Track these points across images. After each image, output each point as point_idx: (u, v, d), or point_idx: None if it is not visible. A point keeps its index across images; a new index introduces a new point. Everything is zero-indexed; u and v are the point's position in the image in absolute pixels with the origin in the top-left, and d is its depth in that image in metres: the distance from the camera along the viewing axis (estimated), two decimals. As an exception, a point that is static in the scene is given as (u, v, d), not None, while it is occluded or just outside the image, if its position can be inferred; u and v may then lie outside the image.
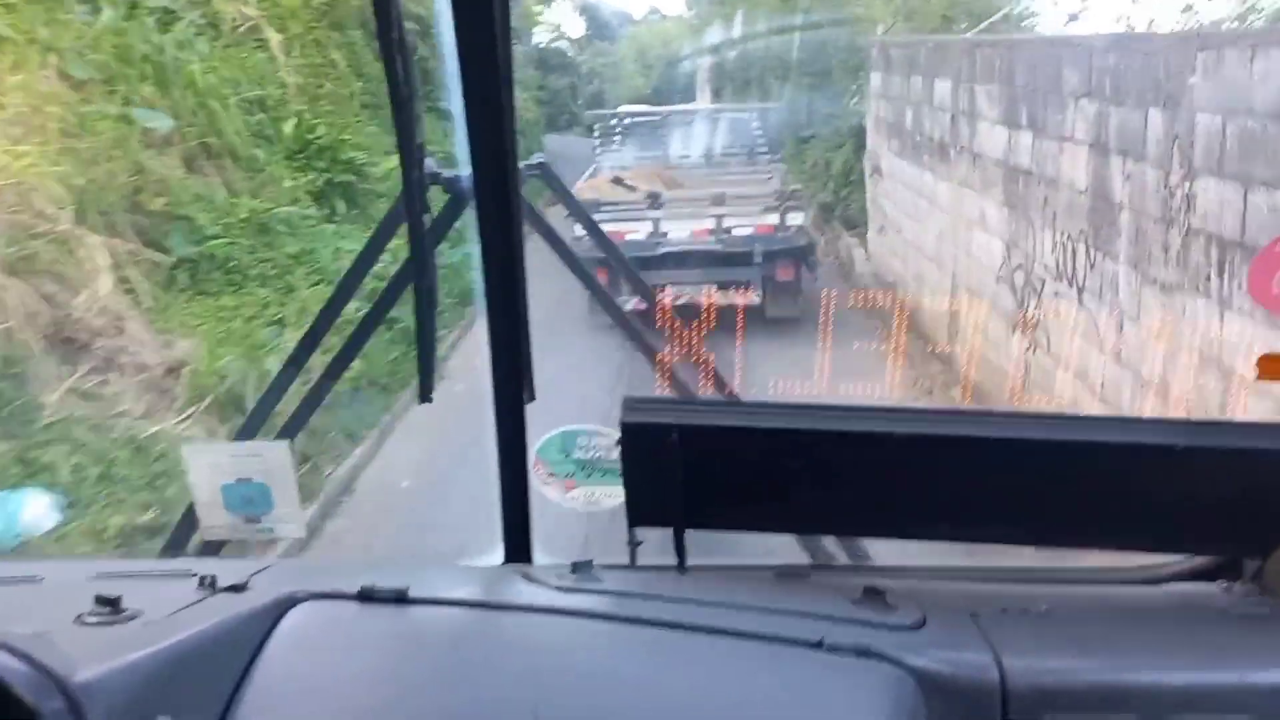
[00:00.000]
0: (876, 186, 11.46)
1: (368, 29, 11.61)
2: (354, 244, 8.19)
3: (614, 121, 12.62)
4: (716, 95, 18.19)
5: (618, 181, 10.55)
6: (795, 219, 9.52)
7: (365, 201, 9.77)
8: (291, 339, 6.42)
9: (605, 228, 7.81)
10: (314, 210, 8.98)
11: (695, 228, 9.53)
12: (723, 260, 9.32)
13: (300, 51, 10.55)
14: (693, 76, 21.28)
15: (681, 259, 9.17)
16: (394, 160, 8.69)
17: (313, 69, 10.68)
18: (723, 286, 9.17)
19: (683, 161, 12.15)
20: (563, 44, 24.88)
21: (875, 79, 11.53)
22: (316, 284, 7.86)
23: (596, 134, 12.47)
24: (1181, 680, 1.16)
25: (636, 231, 9.25)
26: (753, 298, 9.21)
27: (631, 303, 8.70)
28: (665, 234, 9.44)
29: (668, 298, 8.56)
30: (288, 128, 9.34)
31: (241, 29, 9.84)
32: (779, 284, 9.47)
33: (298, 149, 9.35)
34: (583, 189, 10.21)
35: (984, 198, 7.66)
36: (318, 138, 9.52)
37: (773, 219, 9.49)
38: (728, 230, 9.45)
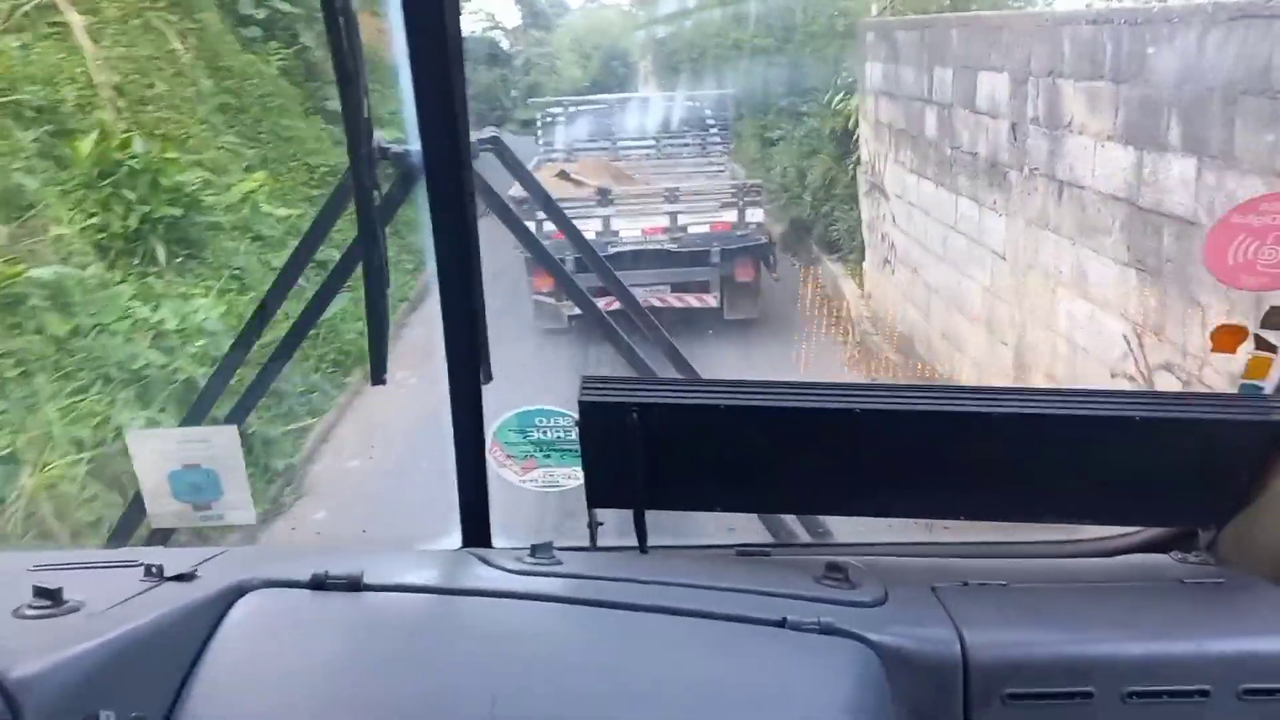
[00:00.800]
0: (877, 208, 9.02)
1: (228, 9, 9.76)
2: (165, 312, 5.90)
3: (558, 110, 11.59)
4: (662, 89, 16.84)
5: (563, 176, 9.67)
6: (755, 215, 8.89)
7: (203, 242, 7.01)
8: (32, 484, 4.42)
9: (550, 226, 7.15)
10: (105, 264, 6.08)
11: (647, 225, 8.84)
12: (678, 260, 8.74)
13: (116, 39, 7.76)
14: (635, 67, 19.97)
15: (634, 259, 8.48)
16: (254, 181, 7.49)
17: (138, 63, 7.82)
18: (678, 288, 8.73)
19: (632, 154, 11.45)
20: (495, 34, 24.26)
21: (873, 71, 8.93)
22: (82, 390, 5.04)
23: (539, 124, 11.39)
24: (1139, 650, 1.18)
25: (585, 230, 8.43)
26: (710, 300, 8.79)
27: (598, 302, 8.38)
28: (616, 232, 8.74)
29: (616, 301, 8.22)
30: (85, 145, 6.42)
31: (26, 8, 7.14)
32: (738, 284, 8.92)
33: (100, 174, 6.43)
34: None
35: (1084, 248, 5.07)
36: (132, 157, 6.57)
37: (730, 215, 8.85)
38: (683, 228, 8.79)
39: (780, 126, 12.41)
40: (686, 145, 11.62)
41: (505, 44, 24.11)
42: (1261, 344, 1.37)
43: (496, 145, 2.08)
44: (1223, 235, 1.34)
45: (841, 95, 10.28)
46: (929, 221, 7.50)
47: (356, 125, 1.40)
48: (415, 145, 1.31)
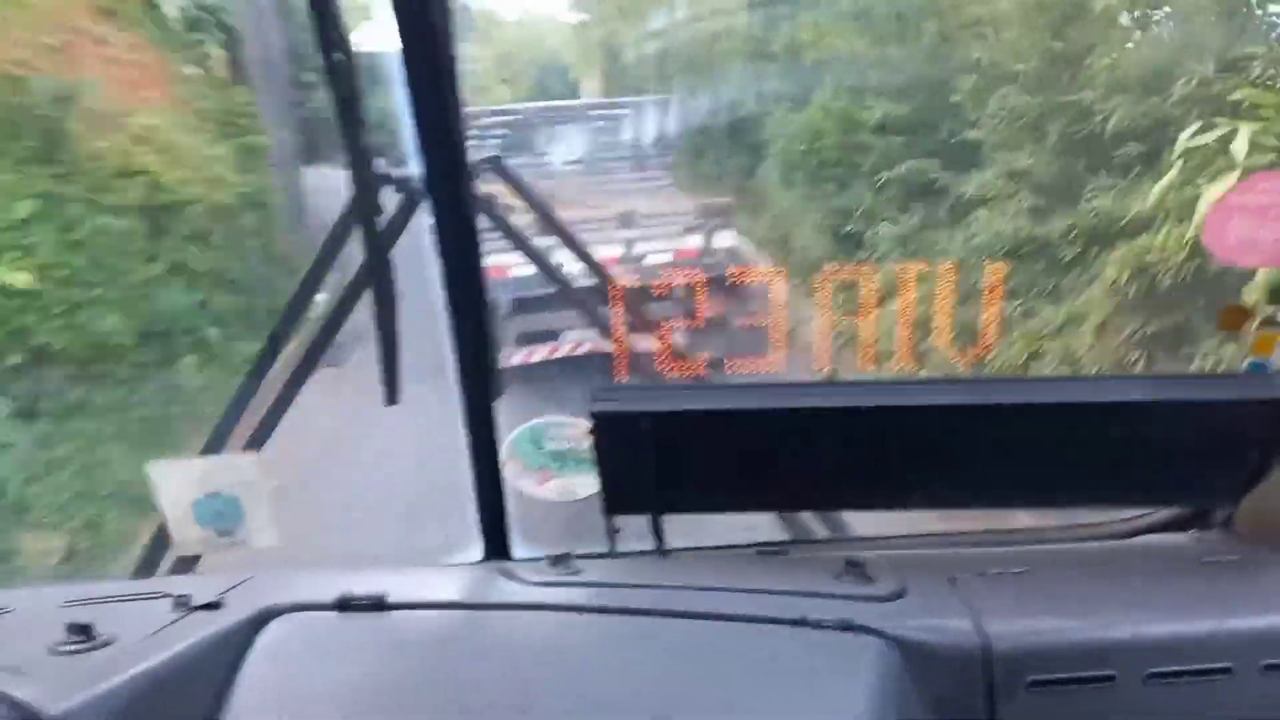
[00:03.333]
0: None
1: None
2: None
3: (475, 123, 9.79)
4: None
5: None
6: (723, 240, 7.56)
7: None
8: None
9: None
10: None
11: (597, 257, 7.74)
12: (634, 297, 7.62)
13: None
14: (575, 86, 16.62)
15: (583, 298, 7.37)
16: None
17: None
18: (634, 330, 7.59)
19: (556, 172, 9.58)
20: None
21: None
22: None
23: None
24: (1159, 631, 1.18)
25: (524, 267, 6.24)
26: (673, 340, 7.64)
27: (519, 355, 6.97)
28: (559, 266, 7.56)
29: (563, 347, 6.74)
30: None
31: None
32: (704, 322, 7.82)
33: None
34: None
35: None
36: None
37: (696, 241, 7.55)
38: (639, 258, 7.42)
39: (888, 217, 7.13)
40: (620, 160, 9.96)
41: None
42: (1267, 321, 1.38)
43: (496, 165, 2.11)
44: (1222, 215, 1.35)
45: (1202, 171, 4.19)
46: None
47: (357, 151, 1.42)
48: (416, 169, 1.33)
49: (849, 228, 7.23)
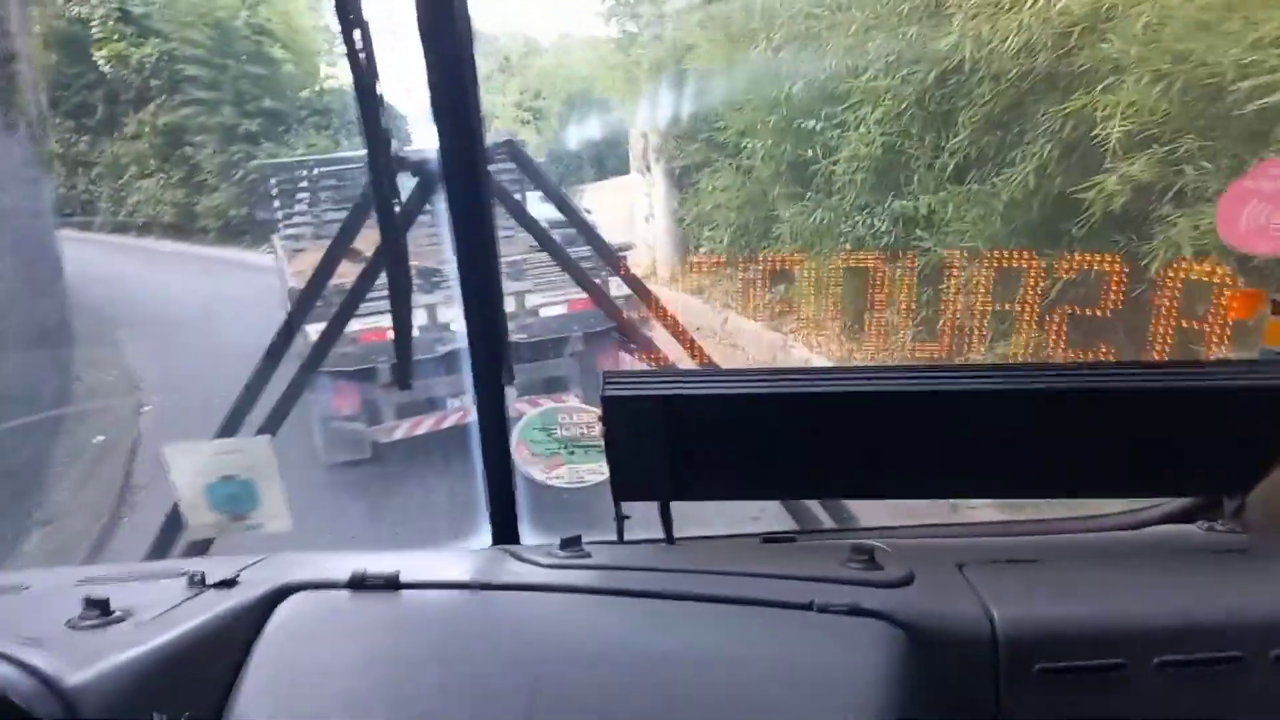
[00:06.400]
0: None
1: None
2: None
3: (302, 173, 8.27)
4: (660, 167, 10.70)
5: (354, 256, 5.38)
6: (623, 286, 6.83)
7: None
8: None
9: (351, 326, 4.95)
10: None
11: None
12: (527, 354, 6.65)
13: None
14: (623, 132, 12.00)
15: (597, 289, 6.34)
16: None
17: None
18: (526, 391, 6.64)
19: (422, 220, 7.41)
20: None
21: None
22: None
23: (274, 189, 8.14)
24: (1169, 620, 1.18)
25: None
26: (570, 401, 6.27)
27: (402, 428, 6.30)
28: (446, 325, 6.40)
29: (450, 416, 6.22)
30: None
31: None
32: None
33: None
34: (300, 271, 6.56)
35: None
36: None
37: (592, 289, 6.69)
38: (533, 311, 6.66)
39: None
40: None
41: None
42: (1279, 309, 1.38)
43: (512, 149, 2.11)
44: (1235, 201, 1.35)
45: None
46: None
47: (375, 136, 1.43)
48: (432, 153, 1.34)
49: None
